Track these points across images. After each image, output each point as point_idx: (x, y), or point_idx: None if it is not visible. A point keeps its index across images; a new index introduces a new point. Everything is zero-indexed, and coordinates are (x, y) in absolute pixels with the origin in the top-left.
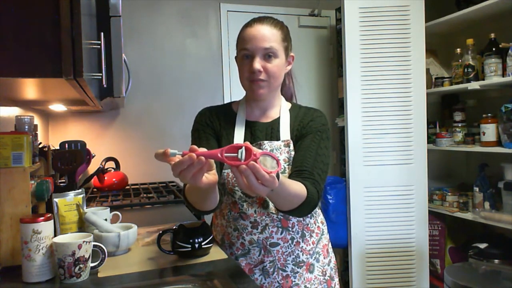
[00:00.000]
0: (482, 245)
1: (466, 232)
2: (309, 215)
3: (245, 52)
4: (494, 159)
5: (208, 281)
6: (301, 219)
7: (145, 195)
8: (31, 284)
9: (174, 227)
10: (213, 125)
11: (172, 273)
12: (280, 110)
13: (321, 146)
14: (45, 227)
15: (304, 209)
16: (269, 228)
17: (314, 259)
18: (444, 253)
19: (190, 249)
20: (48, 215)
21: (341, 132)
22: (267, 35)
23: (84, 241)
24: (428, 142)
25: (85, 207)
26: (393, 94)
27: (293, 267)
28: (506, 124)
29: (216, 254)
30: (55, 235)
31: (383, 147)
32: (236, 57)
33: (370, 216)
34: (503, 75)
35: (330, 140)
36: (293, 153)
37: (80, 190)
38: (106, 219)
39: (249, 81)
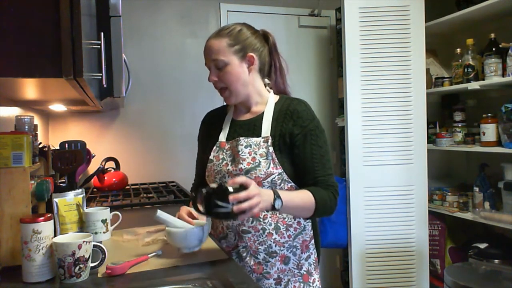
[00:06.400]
0: (482, 245)
1: (466, 232)
2: None
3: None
4: (494, 159)
5: (208, 281)
6: (276, 212)
7: (145, 195)
8: (31, 284)
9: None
10: (207, 131)
11: (172, 273)
12: (266, 105)
13: (320, 144)
14: (45, 227)
15: (319, 215)
16: None
17: (290, 252)
18: (444, 253)
19: (230, 210)
20: (48, 215)
21: (341, 132)
22: (211, 48)
23: (84, 241)
24: (428, 142)
25: (85, 207)
26: (393, 94)
27: (265, 256)
28: (506, 124)
29: (216, 254)
30: (55, 235)
31: (383, 147)
32: None
33: (370, 216)
34: (503, 75)
35: (323, 129)
36: (271, 148)
37: (80, 190)
38: (106, 219)
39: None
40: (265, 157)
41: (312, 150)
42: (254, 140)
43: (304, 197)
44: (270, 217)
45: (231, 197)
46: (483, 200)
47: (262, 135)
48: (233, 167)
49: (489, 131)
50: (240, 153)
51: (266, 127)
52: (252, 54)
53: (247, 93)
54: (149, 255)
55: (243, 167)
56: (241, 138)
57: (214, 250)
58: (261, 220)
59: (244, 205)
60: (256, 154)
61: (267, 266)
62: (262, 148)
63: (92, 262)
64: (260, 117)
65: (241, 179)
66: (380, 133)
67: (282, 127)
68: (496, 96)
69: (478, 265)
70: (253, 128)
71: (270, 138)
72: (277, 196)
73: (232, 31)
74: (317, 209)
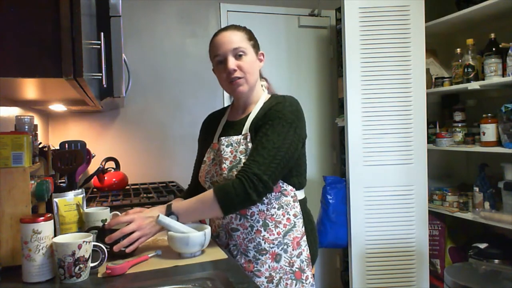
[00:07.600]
0: (482, 245)
1: (466, 232)
2: (276, 206)
3: (218, 58)
4: (494, 159)
5: (208, 281)
6: (264, 209)
7: (145, 195)
8: (31, 284)
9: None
10: (205, 133)
11: (172, 273)
12: (256, 105)
13: (268, 133)
14: (45, 227)
15: (230, 206)
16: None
17: (281, 250)
18: (444, 253)
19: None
20: (48, 215)
21: (341, 132)
22: (233, 37)
23: (84, 241)
24: (428, 142)
25: (85, 207)
26: (393, 94)
27: (255, 253)
28: (506, 124)
29: (216, 254)
30: (55, 235)
31: (383, 147)
32: (213, 69)
33: (370, 216)
34: (503, 75)
35: (289, 125)
36: (250, 144)
37: (80, 190)
38: (106, 219)
39: (228, 82)
40: (244, 154)
41: (257, 138)
42: (234, 138)
43: (203, 198)
44: (257, 214)
45: (106, 239)
46: (483, 200)
47: (242, 133)
48: (218, 167)
49: (489, 131)
50: (222, 153)
51: (247, 125)
52: (262, 52)
53: (254, 88)
54: (149, 255)
55: (225, 166)
56: (222, 138)
57: (214, 250)
58: (248, 217)
59: (123, 242)
60: (237, 152)
61: (257, 264)
62: (242, 145)
63: (92, 262)
64: (247, 116)
65: (120, 218)
66: (380, 133)
67: (255, 123)
68: (496, 96)
69: (478, 265)
70: (239, 127)
71: (249, 134)
72: (169, 212)
73: (246, 28)
74: (220, 202)
